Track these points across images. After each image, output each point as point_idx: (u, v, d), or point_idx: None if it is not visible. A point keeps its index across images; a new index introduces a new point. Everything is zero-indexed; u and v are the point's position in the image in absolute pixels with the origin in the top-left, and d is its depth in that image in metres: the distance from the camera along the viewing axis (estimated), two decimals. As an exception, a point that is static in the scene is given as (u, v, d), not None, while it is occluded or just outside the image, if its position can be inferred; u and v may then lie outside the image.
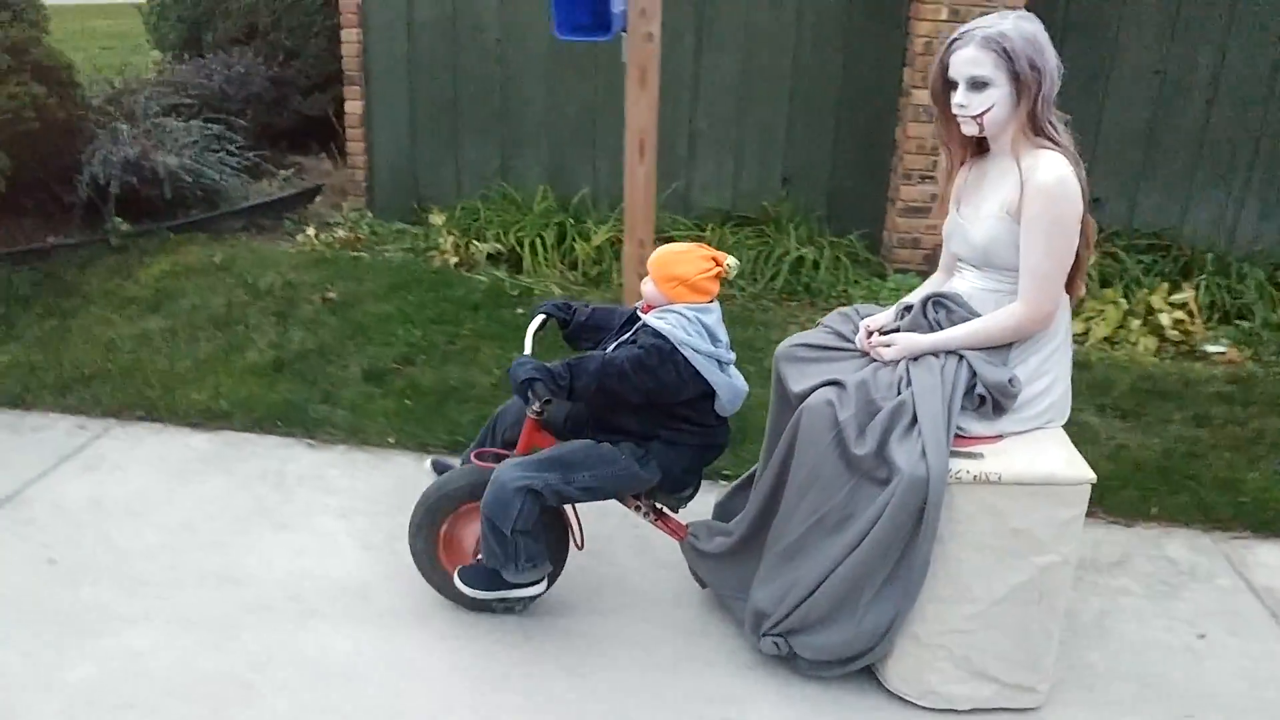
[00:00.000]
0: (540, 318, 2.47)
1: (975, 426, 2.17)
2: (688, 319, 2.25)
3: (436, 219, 4.94)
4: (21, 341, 3.77)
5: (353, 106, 5.32)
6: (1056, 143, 2.12)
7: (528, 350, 2.36)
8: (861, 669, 2.27)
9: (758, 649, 2.32)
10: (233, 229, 5.12)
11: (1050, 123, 2.13)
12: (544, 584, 2.37)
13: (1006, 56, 2.05)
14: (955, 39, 2.12)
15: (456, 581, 2.36)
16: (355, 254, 4.75)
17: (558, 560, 2.43)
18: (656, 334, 2.22)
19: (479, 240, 4.77)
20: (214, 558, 2.65)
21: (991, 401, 2.16)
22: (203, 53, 6.34)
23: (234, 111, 5.76)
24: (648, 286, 2.31)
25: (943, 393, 2.13)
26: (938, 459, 2.05)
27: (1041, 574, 2.15)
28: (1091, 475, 2.13)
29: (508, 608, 2.46)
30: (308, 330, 3.94)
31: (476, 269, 4.65)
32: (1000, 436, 2.19)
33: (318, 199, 5.76)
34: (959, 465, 2.09)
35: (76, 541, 2.68)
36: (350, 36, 5.20)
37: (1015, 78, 2.07)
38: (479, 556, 2.37)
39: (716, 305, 2.33)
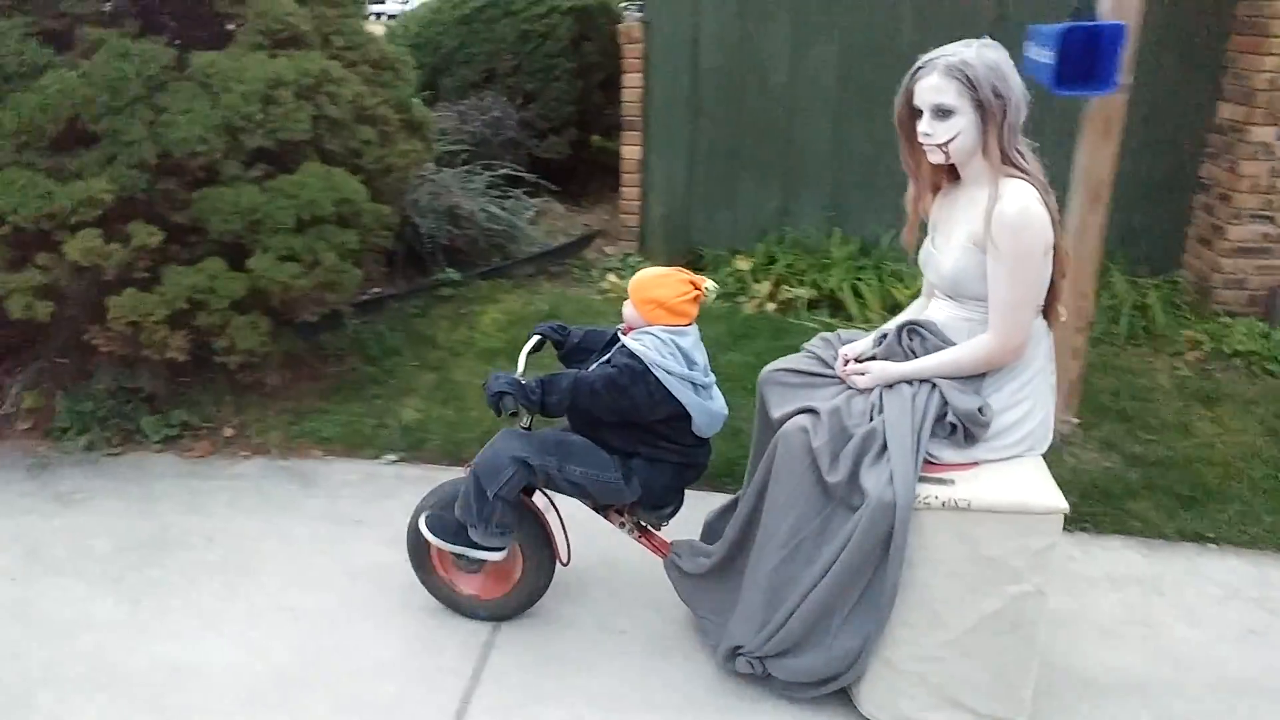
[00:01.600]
0: (535, 338, 2.54)
1: (948, 454, 2.18)
2: (663, 341, 2.30)
3: (742, 264, 4.98)
4: (419, 395, 3.83)
5: (630, 151, 5.38)
6: (1025, 171, 2.12)
7: (520, 368, 2.45)
8: (838, 693, 2.30)
9: (730, 670, 2.37)
10: (525, 274, 5.18)
11: (1018, 150, 2.13)
12: (503, 553, 2.44)
13: (970, 84, 2.07)
14: (919, 67, 2.14)
15: (421, 525, 2.46)
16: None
17: (543, 573, 2.55)
18: (631, 354, 2.29)
19: (788, 285, 4.81)
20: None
21: (963, 430, 2.18)
22: (439, 98, 6.44)
23: (492, 156, 5.84)
24: (627, 309, 2.38)
25: (913, 420, 2.15)
26: (905, 485, 2.07)
27: (1014, 603, 2.14)
28: (1064, 505, 2.12)
29: (460, 561, 2.53)
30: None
31: (792, 314, 4.68)
32: (975, 464, 2.19)
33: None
34: (928, 491, 2.11)
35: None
36: (632, 82, 5.28)
37: (979, 105, 2.08)
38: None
39: (694, 328, 2.39)
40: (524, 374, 2.38)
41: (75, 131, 3.02)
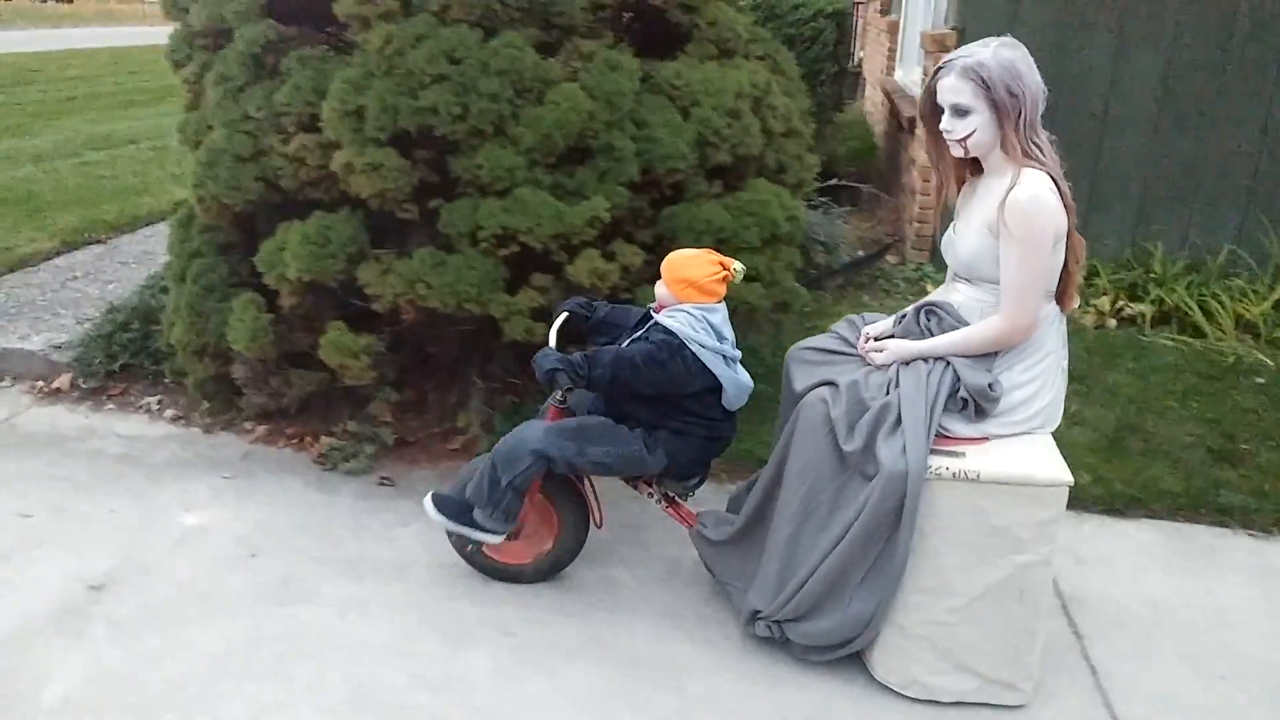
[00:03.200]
0: (564, 314, 2.60)
1: (960, 428, 2.29)
2: (695, 317, 2.41)
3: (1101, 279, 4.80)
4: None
5: (925, 157, 5.22)
6: (1041, 162, 2.23)
7: (552, 343, 2.50)
8: (852, 658, 2.40)
9: (751, 634, 2.47)
10: (835, 285, 5.06)
11: (1035, 144, 2.24)
12: (502, 536, 2.54)
13: (984, 85, 2.18)
14: (940, 67, 2.27)
15: (426, 503, 2.54)
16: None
17: (578, 538, 2.68)
18: (666, 331, 2.39)
19: (1129, 299, 4.65)
20: None
21: (974, 404, 2.28)
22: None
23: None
24: (660, 288, 2.48)
25: (926, 395, 2.26)
26: (916, 455, 2.17)
27: (1021, 573, 2.23)
28: (1069, 478, 2.20)
29: (465, 543, 2.63)
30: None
31: (1134, 329, 4.52)
32: (986, 438, 2.30)
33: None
34: (940, 462, 2.20)
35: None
36: (936, 87, 5.10)
37: (994, 104, 2.20)
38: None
39: (723, 306, 2.49)
40: (555, 348, 2.46)
41: (568, 148, 2.93)
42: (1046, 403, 2.34)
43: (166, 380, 3.83)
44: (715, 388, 2.45)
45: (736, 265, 2.46)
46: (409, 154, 2.89)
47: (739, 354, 2.52)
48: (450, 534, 2.65)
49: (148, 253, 5.29)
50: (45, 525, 2.98)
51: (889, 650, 2.35)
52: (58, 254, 5.21)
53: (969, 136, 2.24)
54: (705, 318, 2.42)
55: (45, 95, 11.42)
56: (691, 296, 2.43)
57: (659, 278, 2.49)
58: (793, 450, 2.34)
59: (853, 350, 2.51)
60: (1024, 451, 2.27)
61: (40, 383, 3.87)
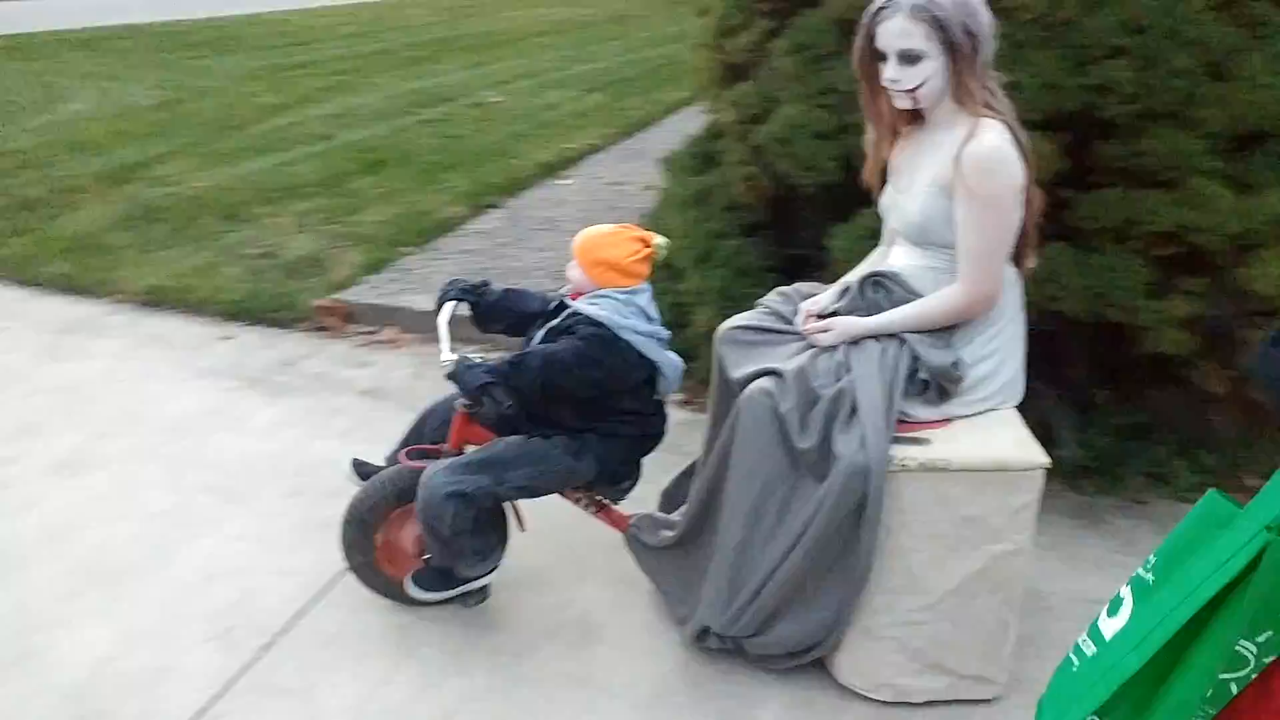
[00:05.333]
0: (450, 304, 2.29)
1: (921, 412, 2.08)
2: (622, 302, 2.17)
3: None
4: None
5: None
6: (993, 109, 1.98)
7: (444, 344, 2.18)
8: (812, 663, 2.20)
9: (700, 648, 2.25)
10: None
11: (987, 88, 1.98)
12: (495, 568, 2.30)
13: (938, 26, 1.90)
14: (882, 6, 1.96)
15: (410, 589, 2.29)
16: None
17: (500, 546, 2.35)
18: (592, 321, 2.13)
19: None
20: None
21: (936, 386, 2.07)
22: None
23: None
24: (574, 272, 2.21)
25: (882, 378, 2.03)
26: (877, 447, 1.95)
27: (995, 562, 2.06)
28: (1045, 459, 2.02)
29: (466, 600, 2.35)
30: None
31: None
32: (948, 421, 2.09)
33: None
34: (904, 452, 1.99)
35: None
36: None
37: (950, 47, 1.92)
38: (426, 557, 2.30)
39: (647, 286, 2.24)
40: (454, 349, 2.16)
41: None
42: (1010, 375, 2.14)
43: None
44: (651, 377, 2.26)
45: (658, 239, 2.20)
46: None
47: (669, 334, 2.29)
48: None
49: (551, 219, 5.27)
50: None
51: (855, 653, 2.17)
52: (467, 219, 5.26)
53: (920, 87, 1.96)
54: (632, 300, 2.19)
55: (341, 53, 11.83)
56: (613, 280, 2.18)
57: None
58: (735, 451, 2.08)
59: (789, 328, 2.25)
60: (993, 433, 2.07)
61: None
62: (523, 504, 2.38)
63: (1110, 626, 1.23)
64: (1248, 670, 1.11)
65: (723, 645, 2.22)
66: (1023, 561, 2.09)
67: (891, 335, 2.09)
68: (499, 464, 2.18)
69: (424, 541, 2.25)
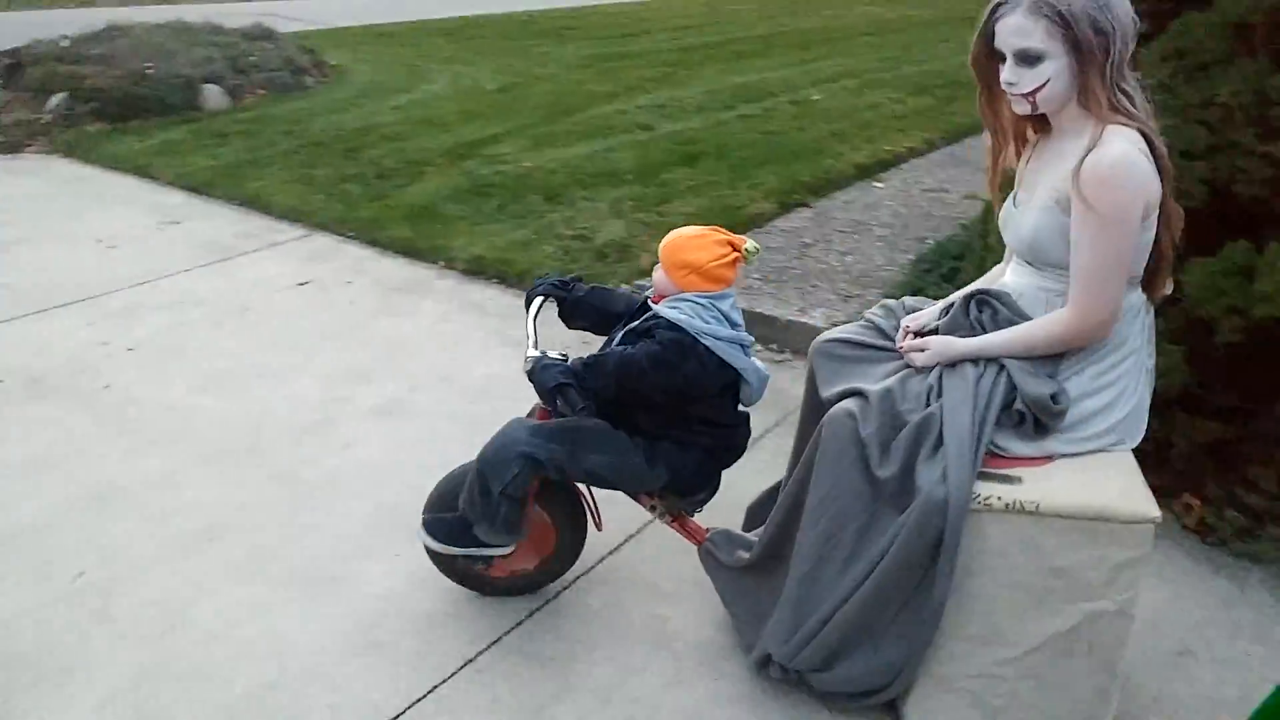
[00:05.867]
0: (539, 299, 2.26)
1: (1017, 446, 1.88)
2: (702, 306, 2.07)
3: None
4: None
5: None
6: (1130, 115, 1.76)
7: (532, 340, 2.16)
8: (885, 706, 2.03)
9: (765, 677, 2.12)
10: None
11: (1123, 91, 1.76)
12: (510, 549, 2.22)
13: (1062, 23, 1.71)
14: (1001, 2, 1.79)
15: (420, 532, 2.23)
16: None
17: (577, 542, 2.36)
18: (672, 326, 2.04)
19: None
20: None
21: (1032, 419, 1.87)
22: None
23: None
24: (658, 274, 2.13)
25: (974, 406, 1.85)
26: (960, 481, 1.78)
27: (1089, 623, 1.83)
28: (1155, 513, 1.78)
29: (469, 562, 2.30)
30: None
31: None
32: (1050, 459, 1.88)
33: None
34: (989, 489, 1.81)
35: None
36: None
37: (1075, 47, 1.73)
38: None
39: (732, 292, 2.13)
40: (540, 347, 2.11)
41: None
42: (1125, 414, 1.92)
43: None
44: (733, 385, 2.14)
45: (749, 244, 2.08)
46: None
47: (752, 340, 2.16)
48: (446, 558, 2.30)
49: (859, 222, 5.08)
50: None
51: (927, 703, 1.99)
52: (775, 216, 5.21)
53: (1040, 89, 1.79)
54: (714, 305, 2.09)
55: (670, 45, 12.19)
56: (695, 285, 2.08)
57: None
58: (815, 475, 1.94)
59: (889, 344, 2.11)
60: (1096, 477, 1.85)
61: (820, 361, 3.74)
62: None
63: None
64: None
65: (785, 677, 2.08)
66: (1124, 625, 1.85)
67: (992, 360, 1.92)
68: (580, 440, 2.11)
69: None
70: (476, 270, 4.60)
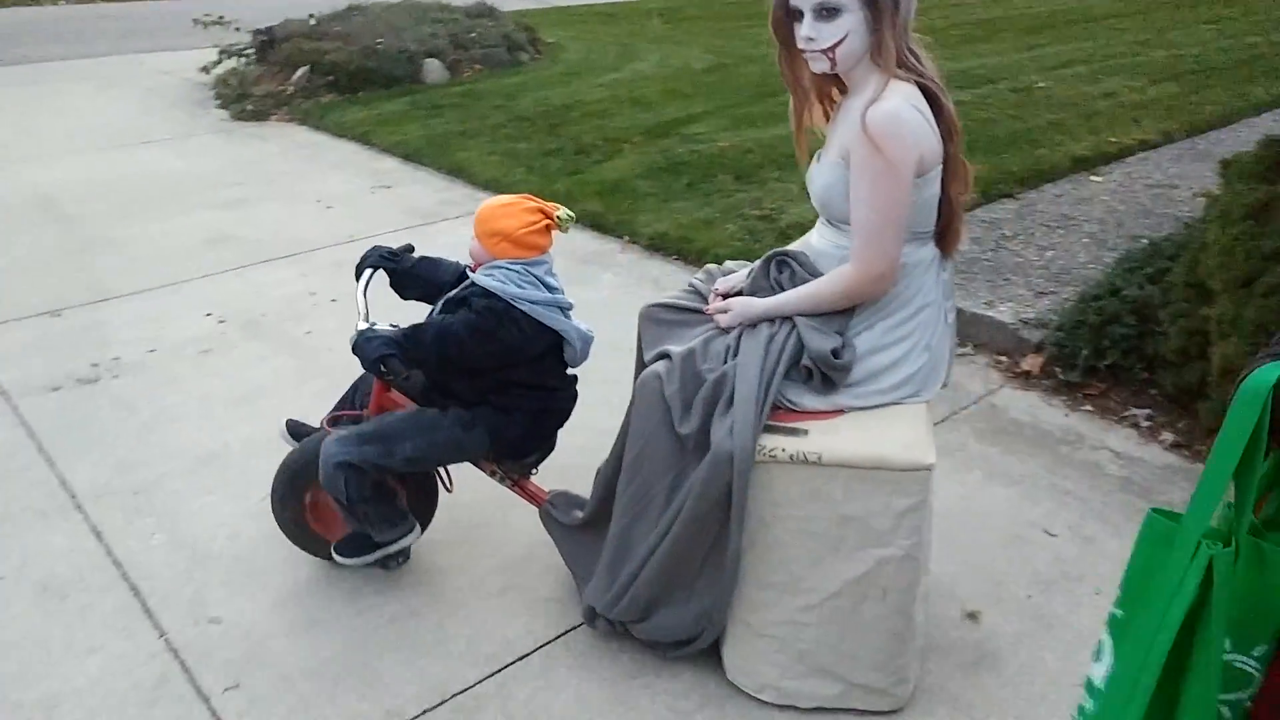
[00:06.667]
0: (369, 271, 2.29)
1: (808, 400, 1.96)
2: (517, 272, 2.13)
3: None
4: None
5: None
6: (919, 74, 1.85)
7: (361, 311, 2.19)
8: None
9: (593, 629, 2.22)
10: None
11: (911, 50, 1.86)
12: (415, 533, 2.34)
13: None
14: None
15: (335, 556, 2.35)
16: None
17: (428, 507, 2.43)
18: (486, 293, 2.09)
19: None
20: None
21: (820, 374, 1.95)
22: None
23: None
24: (473, 244, 2.18)
25: (763, 362, 1.94)
26: (744, 434, 1.87)
27: (880, 567, 1.91)
28: (930, 460, 1.86)
29: (387, 563, 2.40)
30: None
31: None
32: (841, 412, 1.96)
33: None
34: (775, 442, 1.89)
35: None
36: None
37: (869, 2, 1.80)
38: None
39: (548, 258, 2.21)
40: (369, 319, 2.13)
41: None
42: (918, 368, 1.96)
43: (1154, 393, 3.18)
44: (555, 347, 2.21)
45: (562, 211, 2.15)
46: None
47: (572, 303, 2.23)
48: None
49: (1068, 216, 4.73)
50: (1072, 552, 2.53)
51: (739, 650, 2.08)
52: (976, 205, 4.92)
53: (839, 44, 1.83)
54: (529, 270, 2.14)
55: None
56: (508, 252, 2.14)
57: None
58: (630, 435, 2.01)
59: (705, 308, 2.16)
60: (882, 427, 1.92)
61: (1005, 358, 3.52)
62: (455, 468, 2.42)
63: (1098, 673, 1.19)
64: (1254, 686, 1.10)
65: (610, 628, 2.17)
66: (912, 569, 1.93)
67: (786, 319, 1.99)
68: (388, 436, 2.18)
69: None
70: (658, 246, 4.64)
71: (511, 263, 2.15)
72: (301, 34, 8.44)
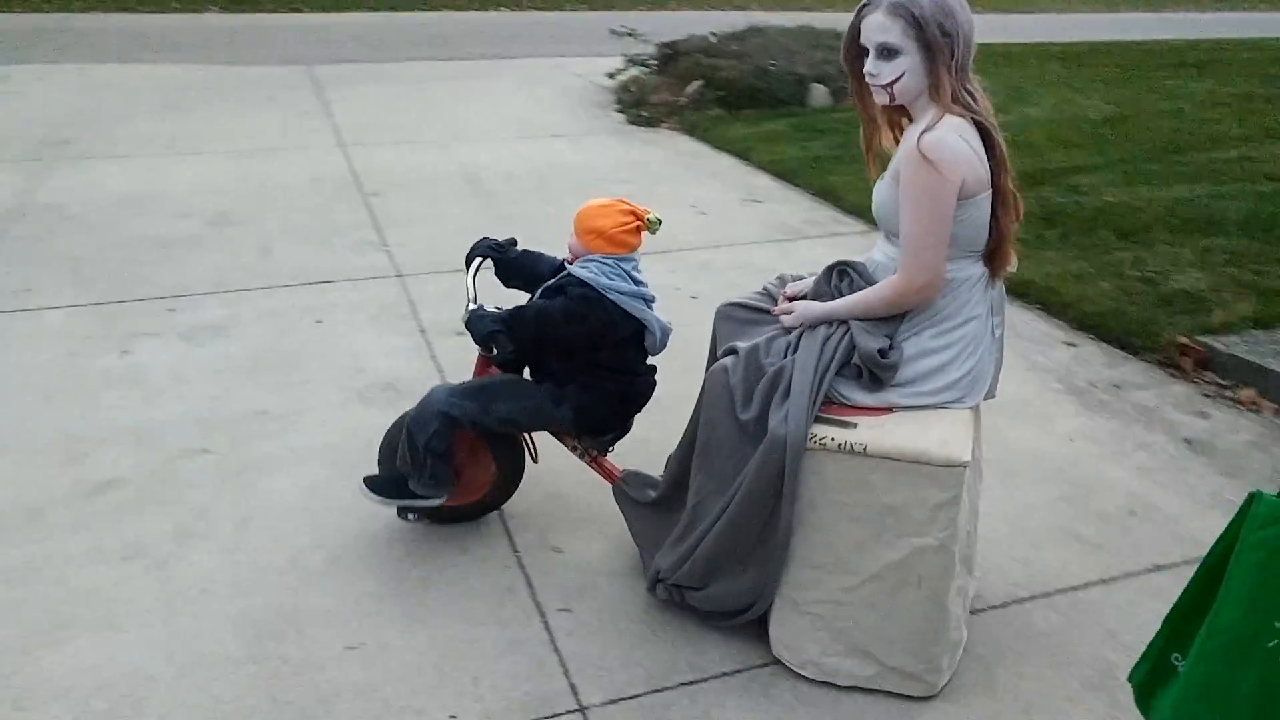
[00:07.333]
0: (478, 260, 2.56)
1: (859, 396, 2.14)
2: (609, 266, 2.38)
3: None
4: None
5: None
6: (974, 111, 2.04)
7: (471, 294, 2.46)
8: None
9: (653, 595, 2.38)
10: None
11: (968, 90, 2.05)
12: (440, 499, 2.51)
13: (915, 23, 2.00)
14: (866, 4, 2.08)
15: (360, 488, 2.54)
16: None
17: (515, 473, 2.65)
18: (581, 283, 2.35)
19: None
20: None
21: (868, 372, 2.12)
22: None
23: None
24: (571, 240, 2.44)
25: (819, 360, 2.13)
26: (797, 422, 2.06)
27: (917, 555, 2.07)
28: (965, 458, 2.01)
29: (405, 513, 2.61)
30: None
31: None
32: (890, 409, 2.13)
33: None
34: (826, 431, 2.08)
35: None
36: None
37: (925, 45, 2.01)
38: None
39: (637, 255, 2.45)
40: (478, 301, 2.41)
41: None
42: (963, 374, 2.13)
43: None
44: (638, 335, 2.43)
45: (652, 215, 2.40)
46: None
47: (655, 296, 2.47)
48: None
49: None
50: None
51: (785, 626, 2.23)
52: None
53: (896, 81, 2.06)
54: (619, 265, 2.39)
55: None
56: (602, 248, 2.39)
57: None
58: (700, 423, 2.22)
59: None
60: (924, 427, 2.08)
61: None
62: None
63: None
64: None
65: (670, 596, 2.33)
66: (946, 560, 2.06)
67: (842, 322, 2.18)
68: (489, 395, 2.44)
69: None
70: (1021, 294, 4.48)
71: (605, 258, 2.41)
72: (701, 50, 8.99)
